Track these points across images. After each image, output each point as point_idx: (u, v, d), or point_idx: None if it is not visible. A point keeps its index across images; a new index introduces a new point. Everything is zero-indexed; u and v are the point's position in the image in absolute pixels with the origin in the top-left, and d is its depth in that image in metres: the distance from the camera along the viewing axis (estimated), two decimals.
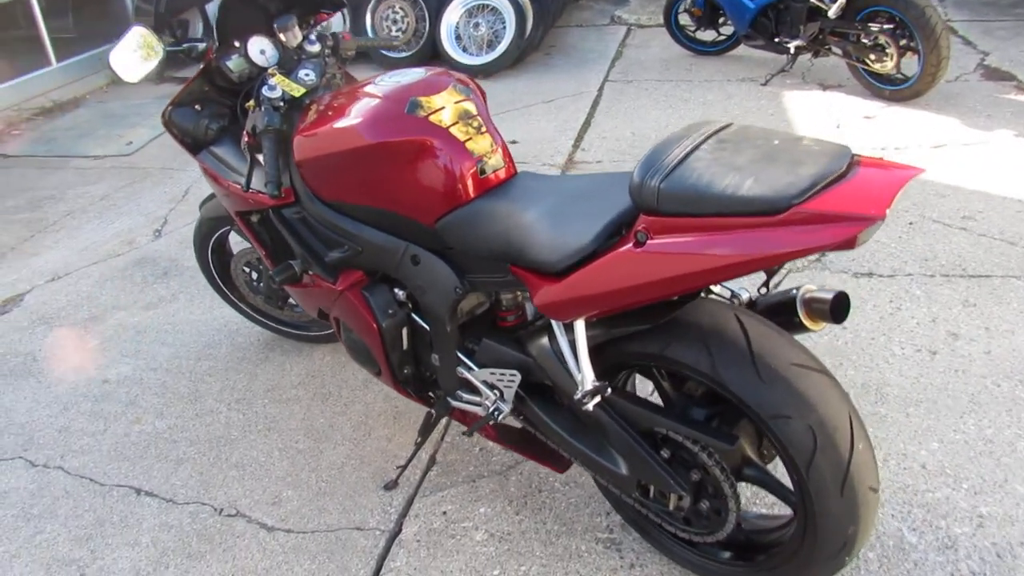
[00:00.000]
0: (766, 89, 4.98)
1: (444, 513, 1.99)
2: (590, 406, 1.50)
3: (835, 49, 4.72)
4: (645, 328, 1.48)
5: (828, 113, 4.50)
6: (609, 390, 1.51)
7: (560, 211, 1.54)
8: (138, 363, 2.69)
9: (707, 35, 5.73)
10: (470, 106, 1.74)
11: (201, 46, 2.03)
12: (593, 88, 5.28)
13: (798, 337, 1.49)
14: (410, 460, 2.07)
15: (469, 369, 1.80)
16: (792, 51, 4.88)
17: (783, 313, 1.56)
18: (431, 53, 5.87)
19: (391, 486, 2.07)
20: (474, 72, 5.68)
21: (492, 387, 1.77)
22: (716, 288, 1.68)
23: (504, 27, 5.66)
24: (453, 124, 1.70)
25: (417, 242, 1.77)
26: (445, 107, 1.71)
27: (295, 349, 2.69)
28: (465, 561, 1.85)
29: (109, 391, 2.56)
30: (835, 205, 1.16)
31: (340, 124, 1.74)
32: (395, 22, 5.94)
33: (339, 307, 1.93)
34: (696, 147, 1.33)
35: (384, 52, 5.99)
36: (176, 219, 3.78)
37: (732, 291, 1.67)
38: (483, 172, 1.70)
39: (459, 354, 1.82)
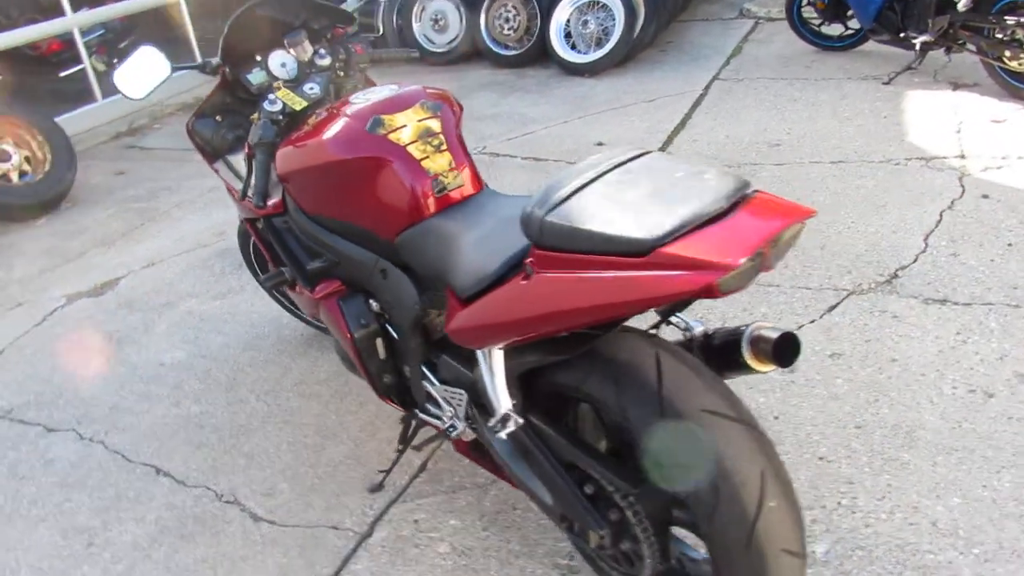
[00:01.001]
0: (888, 88, 4.58)
1: (416, 521, 2.01)
2: (502, 433, 1.47)
3: (968, 45, 4.27)
4: (564, 359, 1.43)
5: (951, 115, 4.08)
6: (518, 420, 1.46)
7: (487, 235, 1.51)
8: (192, 349, 2.90)
9: (834, 29, 5.34)
10: (434, 124, 1.74)
11: (214, 61, 2.14)
12: (699, 87, 5.07)
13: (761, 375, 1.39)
14: (392, 466, 2.10)
15: (432, 384, 1.80)
16: (918, 47, 4.46)
17: (733, 351, 1.45)
18: (540, 51, 5.87)
19: (375, 489, 2.11)
20: (580, 70, 5.64)
21: (448, 403, 1.76)
22: (674, 319, 1.59)
23: (614, 24, 5.56)
24: (412, 142, 1.70)
25: (386, 256, 1.79)
26: (407, 125, 1.71)
27: (331, 346, 2.80)
28: (421, 572, 1.86)
29: (161, 374, 2.77)
30: (693, 250, 1.07)
31: (311, 140, 1.79)
32: (507, 20, 5.98)
33: (322, 315, 1.99)
34: (595, 179, 1.26)
35: (495, 50, 6.07)
36: None
37: (686, 323, 1.57)
38: (441, 190, 1.70)
39: (423, 368, 1.82)
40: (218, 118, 2.24)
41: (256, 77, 2.14)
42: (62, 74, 6.26)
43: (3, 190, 4.26)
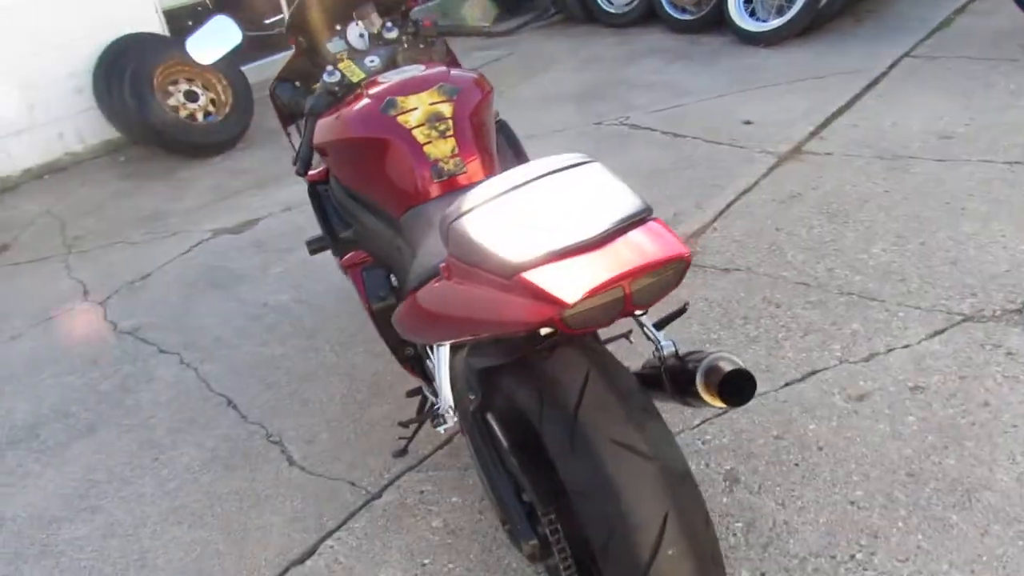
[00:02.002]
0: None
1: (422, 492, 2.07)
2: (440, 428, 1.47)
3: None
4: (504, 363, 1.39)
5: None
6: (452, 418, 1.46)
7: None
8: (294, 295, 3.13)
9: None
10: (445, 108, 1.72)
11: (281, 30, 2.23)
12: (882, 65, 4.55)
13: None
14: (412, 435, 2.16)
15: (432, 364, 1.83)
16: None
17: (691, 379, 1.35)
18: (718, 17, 5.54)
19: (398, 454, 2.19)
20: (755, 39, 5.27)
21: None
22: (649, 332, 1.50)
23: None
24: (418, 126, 1.70)
25: (399, 235, 1.83)
26: (417, 108, 1.72)
27: None
28: (408, 542, 1.92)
29: (262, 314, 3.03)
30: (545, 280, 1.00)
31: (338, 114, 1.84)
32: None
33: (351, 283, 2.07)
34: (516, 187, 1.20)
35: (672, 13, 5.81)
36: None
37: (658, 340, 1.47)
38: (440, 175, 1.69)
39: (426, 347, 1.85)
40: (296, 83, 2.36)
41: (335, 46, 2.22)
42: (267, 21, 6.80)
43: (189, 128, 4.77)
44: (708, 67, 5.07)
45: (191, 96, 4.82)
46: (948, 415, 2.03)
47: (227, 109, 4.90)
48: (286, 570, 1.92)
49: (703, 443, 2.08)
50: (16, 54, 4.62)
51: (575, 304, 0.96)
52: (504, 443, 1.47)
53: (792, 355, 2.34)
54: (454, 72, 1.83)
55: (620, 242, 1.03)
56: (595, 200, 1.10)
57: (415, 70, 1.84)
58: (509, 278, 1.04)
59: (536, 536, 1.44)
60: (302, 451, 2.29)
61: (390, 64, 2.14)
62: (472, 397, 1.49)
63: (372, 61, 2.11)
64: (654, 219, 1.07)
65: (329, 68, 2.08)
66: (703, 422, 2.14)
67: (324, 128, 1.92)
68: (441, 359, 1.45)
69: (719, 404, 1.32)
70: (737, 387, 1.28)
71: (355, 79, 2.07)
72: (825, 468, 1.94)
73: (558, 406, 1.27)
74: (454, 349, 1.46)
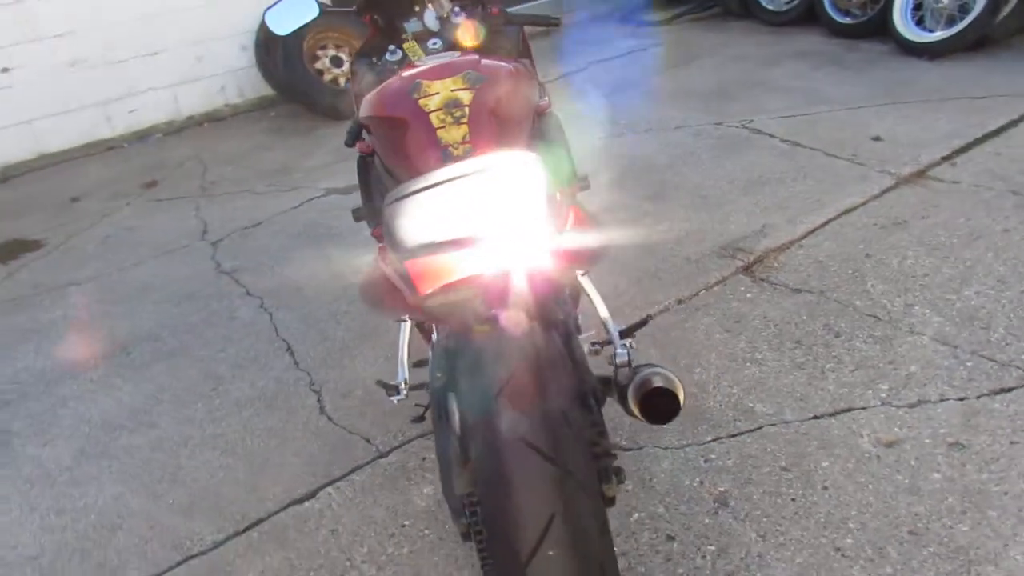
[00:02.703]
0: None
1: (424, 459, 2.16)
2: (394, 399, 1.54)
3: None
4: (462, 344, 1.44)
5: None
6: (403, 394, 1.52)
7: None
8: None
9: None
10: (465, 96, 1.76)
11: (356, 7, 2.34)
12: None
13: None
14: (428, 406, 2.25)
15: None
16: None
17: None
18: (882, 22, 5.16)
19: (416, 420, 2.29)
20: (917, 50, 4.88)
21: None
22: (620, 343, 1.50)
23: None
24: (436, 110, 1.76)
25: None
26: (439, 93, 1.77)
27: None
28: (395, 505, 2.02)
29: (343, 273, 3.21)
30: (415, 270, 1.04)
31: (374, 92, 1.93)
32: None
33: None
34: (452, 179, 1.23)
35: (833, 15, 5.49)
36: None
37: (615, 348, 1.47)
38: (448, 160, 1.74)
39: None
40: (374, 59, 2.48)
41: (412, 27, 2.32)
42: None
43: (330, 91, 5.09)
44: (856, 75, 4.75)
45: (336, 62, 5.13)
46: (980, 480, 1.86)
47: None
48: (286, 507, 2.08)
49: (705, 461, 2.03)
50: (191, 9, 5.10)
51: (428, 296, 0.99)
52: (455, 426, 1.52)
53: (833, 388, 2.22)
54: (487, 62, 1.86)
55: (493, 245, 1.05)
56: (504, 203, 1.12)
57: (450, 56, 1.90)
58: (401, 264, 1.10)
59: (467, 517, 1.49)
60: (335, 403, 2.45)
61: (453, 48, 2.21)
62: (439, 375, 1.55)
63: (435, 44, 2.18)
64: (544, 227, 1.08)
65: (392, 48, 2.18)
66: (714, 440, 2.09)
67: (364, 104, 2.02)
68: (402, 333, 1.52)
69: (644, 419, 1.31)
70: (660, 406, 1.27)
71: (415, 60, 2.16)
72: (822, 509, 1.84)
73: (482, 393, 1.30)
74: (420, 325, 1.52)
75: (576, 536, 1.19)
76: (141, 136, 5.21)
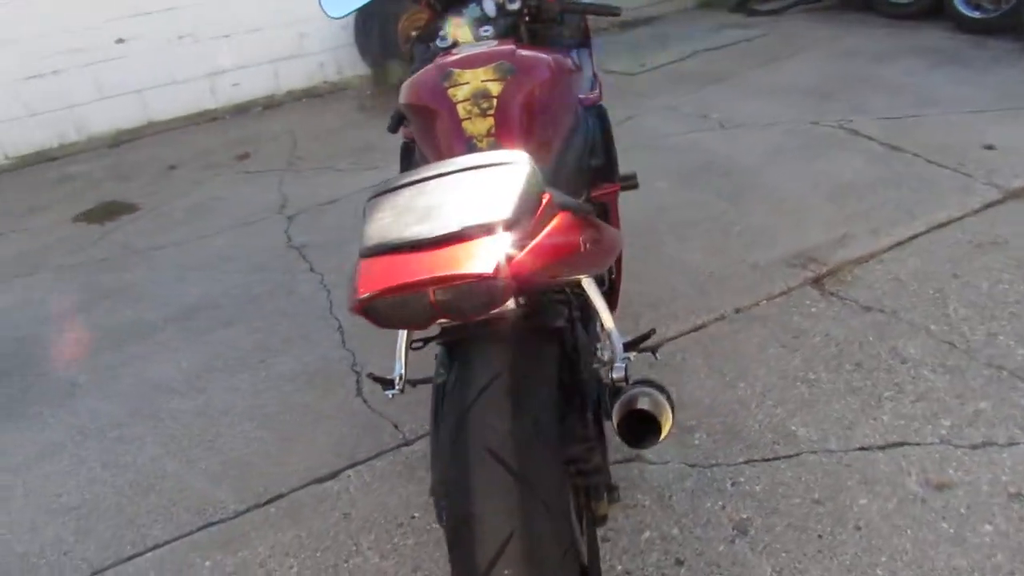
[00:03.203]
0: None
1: None
2: (389, 394, 1.52)
3: None
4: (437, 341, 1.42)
5: None
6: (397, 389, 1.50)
7: None
8: None
9: None
10: (494, 87, 1.71)
11: None
12: None
13: None
14: None
15: None
16: None
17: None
18: (1015, 20, 4.74)
19: None
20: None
21: None
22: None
23: None
24: (464, 100, 1.71)
25: None
26: (469, 83, 1.72)
27: None
28: (409, 495, 2.01)
29: None
30: (364, 270, 1.00)
31: (411, 78, 1.90)
32: None
33: None
34: (432, 177, 1.19)
35: (962, 9, 5.08)
36: None
37: (612, 362, 1.39)
38: (475, 152, 1.70)
39: None
40: (430, 44, 2.45)
41: (470, 12, 2.27)
42: None
43: None
44: (979, 75, 4.38)
45: None
46: None
47: None
48: (307, 484, 2.11)
49: (732, 484, 1.91)
50: None
51: (370, 298, 0.96)
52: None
53: (887, 419, 2.05)
54: (523, 52, 1.80)
55: (445, 249, 0.99)
56: (472, 203, 1.07)
57: (487, 45, 1.85)
58: (357, 262, 1.07)
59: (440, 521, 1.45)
60: (372, 386, 2.46)
61: (506, 36, 2.15)
62: (441, 371, 1.52)
63: (486, 31, 2.13)
64: (505, 232, 1.01)
65: (442, 33, 2.14)
66: (745, 462, 1.97)
67: (402, 90, 1.99)
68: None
69: (621, 438, 1.23)
70: (638, 430, 1.19)
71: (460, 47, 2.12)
72: (850, 550, 1.70)
73: (457, 398, 1.27)
74: None
75: (534, 558, 1.14)
76: (242, 109, 5.40)
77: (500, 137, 1.67)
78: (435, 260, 0.98)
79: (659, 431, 1.21)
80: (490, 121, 1.68)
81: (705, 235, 3.06)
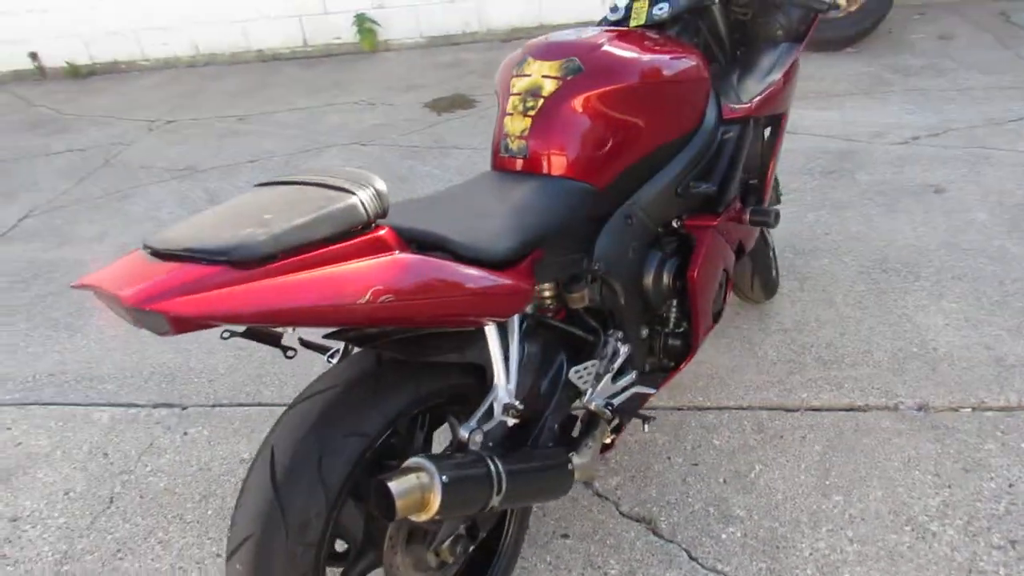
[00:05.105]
0: None
1: None
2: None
3: None
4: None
5: None
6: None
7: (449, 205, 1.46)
8: None
9: None
10: (549, 85, 1.53)
11: None
12: None
13: None
14: None
15: None
16: None
17: None
18: None
19: None
20: None
21: None
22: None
23: None
24: (516, 94, 1.57)
25: None
26: (530, 75, 1.57)
27: None
28: None
29: None
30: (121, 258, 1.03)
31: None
32: None
33: None
34: (272, 184, 1.17)
35: None
36: None
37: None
38: (503, 151, 1.58)
39: None
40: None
41: None
42: None
43: (825, 22, 4.56)
44: None
45: None
46: None
47: (861, 1, 4.46)
48: None
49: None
50: None
51: (96, 290, 0.98)
52: None
53: None
54: (609, 49, 1.56)
55: (156, 265, 0.98)
56: (240, 224, 1.04)
57: (591, 31, 1.64)
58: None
59: None
60: None
61: (683, 17, 1.87)
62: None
63: (660, 9, 1.87)
64: (214, 268, 0.97)
65: (616, 4, 1.94)
66: None
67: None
68: None
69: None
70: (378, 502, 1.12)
71: (632, 23, 1.90)
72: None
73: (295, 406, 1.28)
74: None
75: (265, 562, 1.17)
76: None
77: (531, 141, 1.55)
78: (123, 271, 0.98)
79: (393, 506, 1.11)
80: (527, 122, 1.56)
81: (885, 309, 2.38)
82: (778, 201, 2.45)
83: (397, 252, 1.14)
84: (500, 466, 1.26)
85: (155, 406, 2.38)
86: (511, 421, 1.33)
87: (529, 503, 1.54)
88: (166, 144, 4.60)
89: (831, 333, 2.31)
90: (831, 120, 3.72)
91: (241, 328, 1.14)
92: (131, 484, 2.08)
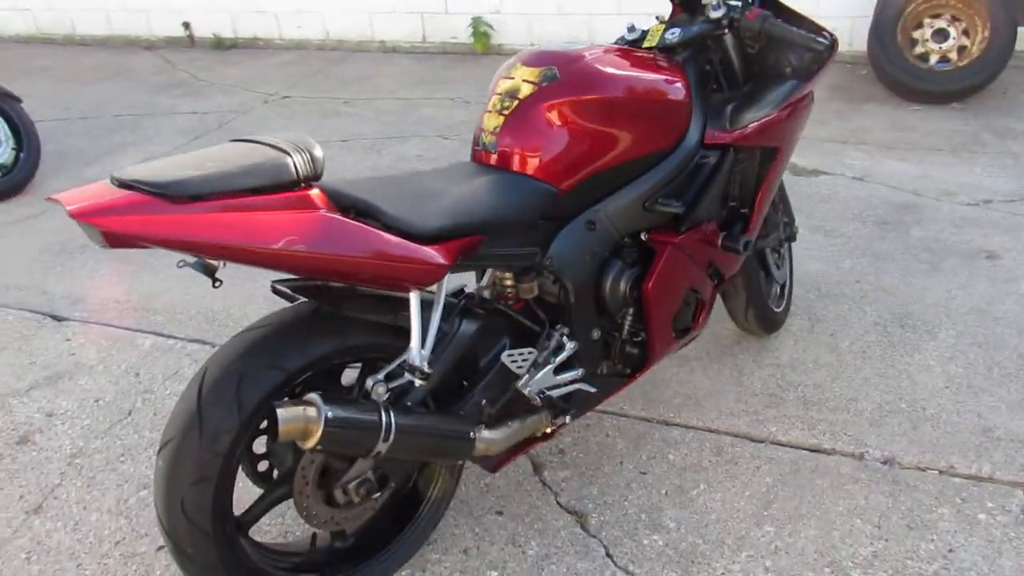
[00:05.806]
0: None
1: None
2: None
3: None
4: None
5: None
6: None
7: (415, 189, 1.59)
8: None
9: None
10: (527, 88, 1.65)
11: None
12: None
13: None
14: None
15: None
16: None
17: None
18: None
19: None
20: None
21: None
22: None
23: None
24: (499, 93, 1.70)
25: None
26: (515, 78, 1.70)
27: None
28: None
29: None
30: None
31: None
32: None
33: None
34: (236, 141, 1.34)
35: None
36: None
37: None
38: (478, 143, 1.72)
39: None
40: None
41: (719, 12, 2.06)
42: None
43: (911, 70, 4.41)
44: None
45: (941, 36, 4.36)
46: None
47: (974, 56, 4.28)
48: None
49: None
50: None
51: (57, 203, 1.18)
52: None
53: None
54: (587, 63, 1.67)
55: (111, 191, 1.16)
56: (195, 167, 1.22)
57: (579, 46, 1.75)
58: None
59: None
60: None
61: (693, 43, 1.94)
62: None
63: (672, 34, 1.96)
64: (149, 197, 1.15)
65: (633, 24, 2.04)
66: None
67: None
68: None
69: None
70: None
71: (646, 44, 2.00)
72: None
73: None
74: None
75: (174, 466, 1.35)
76: None
77: (500, 138, 1.68)
78: (90, 194, 1.18)
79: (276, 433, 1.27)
80: (500, 120, 1.68)
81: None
82: (793, 237, 2.46)
83: (323, 211, 1.29)
84: (393, 417, 1.39)
85: (190, 340, 2.65)
86: (418, 382, 1.46)
87: (424, 459, 1.65)
88: (275, 116, 4.99)
89: (823, 376, 2.30)
90: (906, 172, 3.62)
91: (192, 259, 1.32)
92: (150, 402, 2.35)
